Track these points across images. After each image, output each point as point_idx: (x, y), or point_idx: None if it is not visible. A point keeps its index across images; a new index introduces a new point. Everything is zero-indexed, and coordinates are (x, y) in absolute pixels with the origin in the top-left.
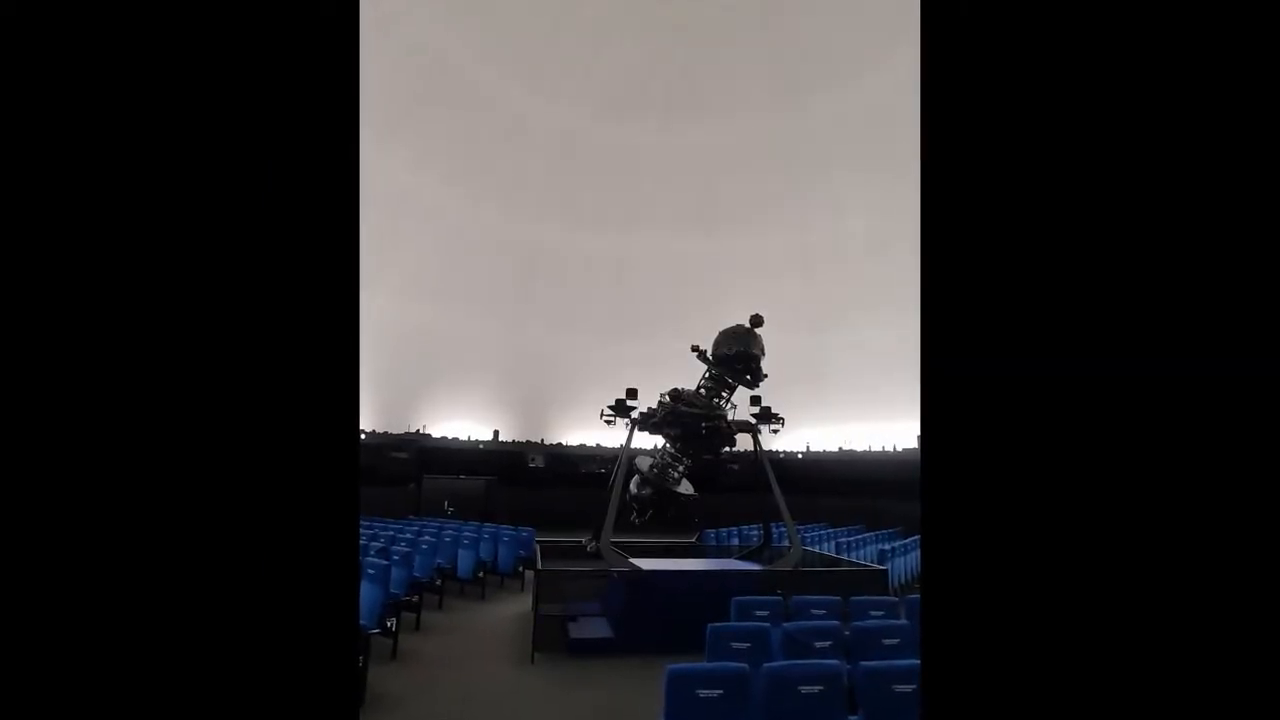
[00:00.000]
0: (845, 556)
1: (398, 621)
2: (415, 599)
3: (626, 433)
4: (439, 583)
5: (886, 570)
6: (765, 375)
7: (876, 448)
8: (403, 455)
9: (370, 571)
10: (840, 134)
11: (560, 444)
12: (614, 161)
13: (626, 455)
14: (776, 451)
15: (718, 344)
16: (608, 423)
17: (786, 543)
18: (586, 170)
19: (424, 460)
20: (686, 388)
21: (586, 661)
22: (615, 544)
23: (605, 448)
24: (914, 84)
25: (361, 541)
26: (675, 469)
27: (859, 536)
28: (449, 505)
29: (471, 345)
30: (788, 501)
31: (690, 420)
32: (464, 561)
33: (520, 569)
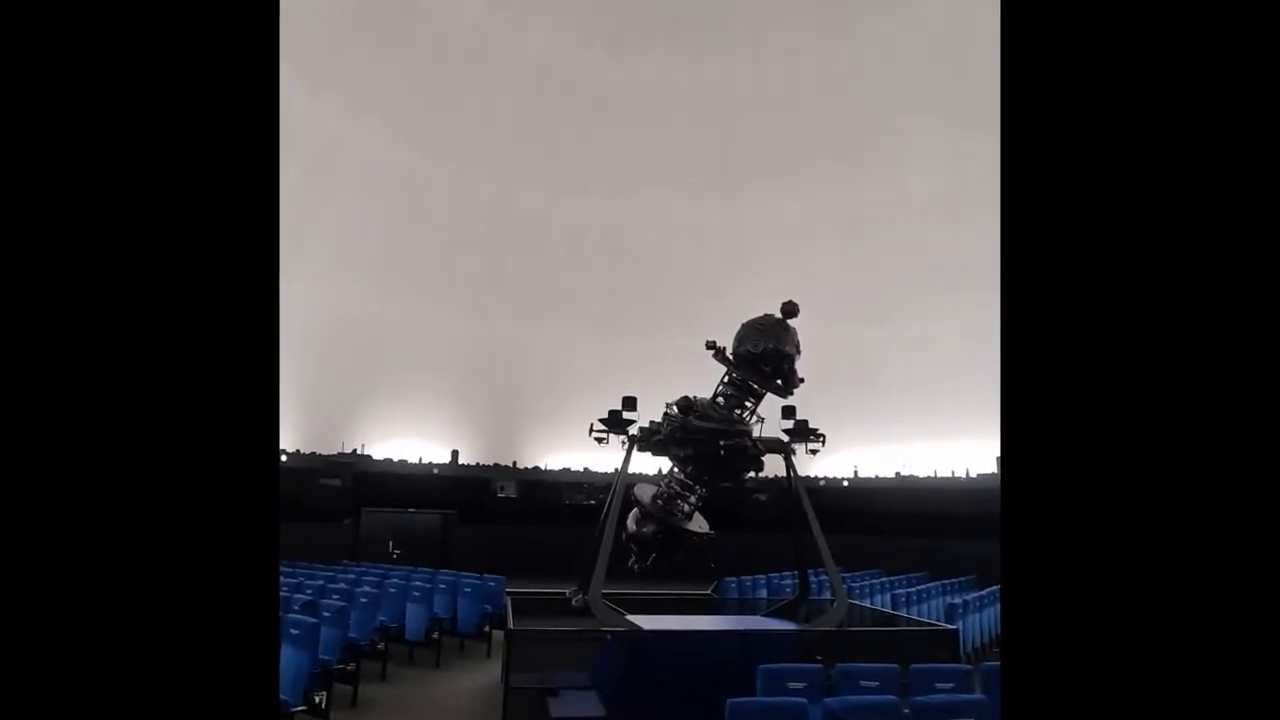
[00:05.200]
0: (904, 613)
1: (328, 696)
2: (351, 667)
3: (623, 454)
4: (382, 646)
5: (957, 630)
6: (801, 380)
7: (944, 473)
8: (335, 483)
9: (293, 632)
10: (898, 69)
11: (537, 468)
12: (607, 104)
13: (623, 483)
14: (816, 478)
15: (740, 340)
16: (598, 440)
17: (828, 594)
18: (571, 116)
19: (363, 490)
20: (700, 396)
21: None
22: (608, 597)
23: (595, 473)
24: (993, 4)
25: (283, 593)
26: (685, 500)
27: (921, 587)
28: (394, 548)
29: (423, 342)
30: (830, 542)
31: (705, 437)
32: (414, 619)
33: (486, 628)
